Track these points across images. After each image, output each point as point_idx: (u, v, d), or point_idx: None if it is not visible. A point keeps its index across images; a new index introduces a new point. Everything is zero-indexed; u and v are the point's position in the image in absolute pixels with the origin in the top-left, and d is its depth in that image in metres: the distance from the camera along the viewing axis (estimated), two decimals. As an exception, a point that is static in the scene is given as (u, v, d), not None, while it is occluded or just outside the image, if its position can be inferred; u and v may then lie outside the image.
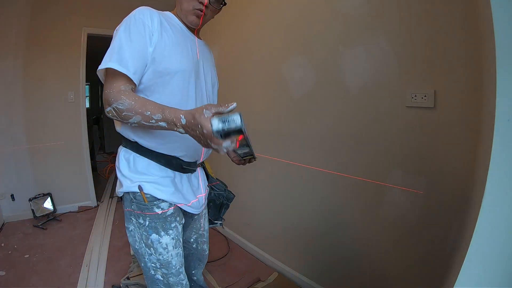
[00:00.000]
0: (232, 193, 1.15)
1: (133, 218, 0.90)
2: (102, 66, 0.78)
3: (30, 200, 2.65)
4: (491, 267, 0.54)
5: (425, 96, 1.09)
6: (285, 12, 1.70)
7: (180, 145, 0.90)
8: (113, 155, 5.42)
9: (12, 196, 2.69)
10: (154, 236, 0.88)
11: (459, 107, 1.01)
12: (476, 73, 0.93)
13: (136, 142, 0.88)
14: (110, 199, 3.29)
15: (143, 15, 0.82)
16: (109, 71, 0.79)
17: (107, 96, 0.77)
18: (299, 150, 1.69)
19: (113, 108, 0.76)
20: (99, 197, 3.25)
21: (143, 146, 0.88)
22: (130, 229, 0.92)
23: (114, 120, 0.87)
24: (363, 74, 1.32)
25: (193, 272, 1.17)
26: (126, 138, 0.90)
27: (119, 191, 0.90)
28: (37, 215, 2.63)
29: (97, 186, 3.23)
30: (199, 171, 1.04)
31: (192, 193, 0.97)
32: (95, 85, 6.61)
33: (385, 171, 1.26)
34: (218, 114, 0.64)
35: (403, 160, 1.20)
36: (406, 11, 1.14)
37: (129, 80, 0.78)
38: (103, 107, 6.85)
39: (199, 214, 1.06)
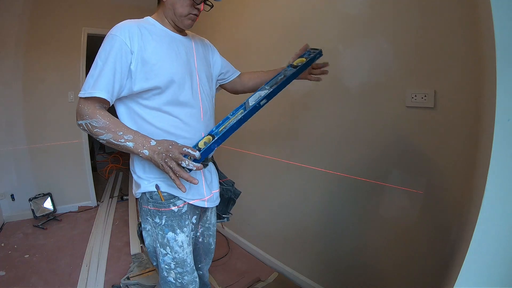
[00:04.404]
0: (238, 190, 1.19)
1: (149, 218, 0.92)
2: (85, 94, 0.81)
3: (30, 200, 2.65)
4: (491, 267, 0.54)
5: (425, 96, 1.09)
6: (285, 12, 1.70)
7: (191, 141, 0.91)
8: (113, 155, 5.41)
9: (12, 196, 2.70)
10: (170, 234, 0.90)
11: (459, 107, 1.01)
12: (476, 73, 0.93)
13: None
14: (110, 199, 3.29)
15: (120, 33, 0.83)
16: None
17: (82, 111, 0.81)
18: (299, 150, 1.69)
19: (86, 123, 0.81)
20: (99, 197, 3.25)
21: None
22: (147, 229, 0.94)
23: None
24: (363, 74, 1.32)
25: (199, 266, 1.17)
26: None
27: (137, 192, 0.93)
28: (37, 215, 2.63)
29: (97, 186, 3.23)
30: (211, 166, 1.07)
31: (206, 186, 0.99)
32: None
33: (385, 171, 1.26)
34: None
35: (403, 160, 1.20)
36: (406, 11, 1.14)
37: (105, 100, 0.82)
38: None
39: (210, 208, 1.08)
